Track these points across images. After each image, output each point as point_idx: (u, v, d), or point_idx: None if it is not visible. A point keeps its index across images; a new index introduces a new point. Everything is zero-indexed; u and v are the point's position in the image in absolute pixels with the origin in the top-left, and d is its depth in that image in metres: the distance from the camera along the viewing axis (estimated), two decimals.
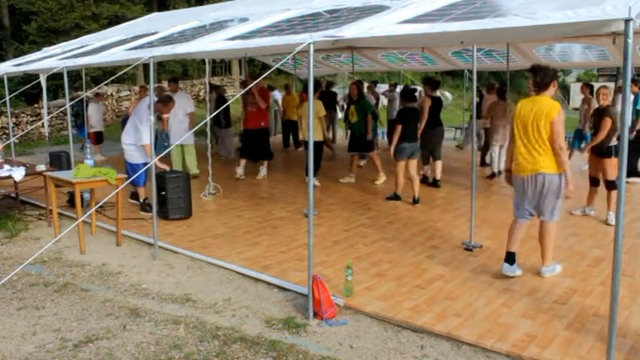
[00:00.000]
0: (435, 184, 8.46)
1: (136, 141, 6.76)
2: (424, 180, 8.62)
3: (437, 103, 8.32)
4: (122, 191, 5.39)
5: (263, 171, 9.38)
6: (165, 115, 8.83)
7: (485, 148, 10.08)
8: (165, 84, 19.50)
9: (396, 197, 7.55)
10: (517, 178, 4.61)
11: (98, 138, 11.78)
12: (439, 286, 4.53)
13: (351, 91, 8.87)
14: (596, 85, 8.43)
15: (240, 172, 9.24)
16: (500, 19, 3.49)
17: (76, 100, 11.91)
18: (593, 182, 6.57)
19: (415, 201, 7.30)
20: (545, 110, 4.30)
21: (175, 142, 8.41)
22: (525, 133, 4.43)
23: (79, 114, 14.36)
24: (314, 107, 4.79)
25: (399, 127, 7.18)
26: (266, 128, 9.29)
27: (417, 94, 8.03)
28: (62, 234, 4.65)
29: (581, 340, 3.59)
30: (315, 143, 8.50)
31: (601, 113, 6.20)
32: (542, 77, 4.36)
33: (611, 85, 10.98)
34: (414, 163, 7.31)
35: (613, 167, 6.22)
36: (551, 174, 4.38)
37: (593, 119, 6.41)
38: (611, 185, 6.28)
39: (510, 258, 4.65)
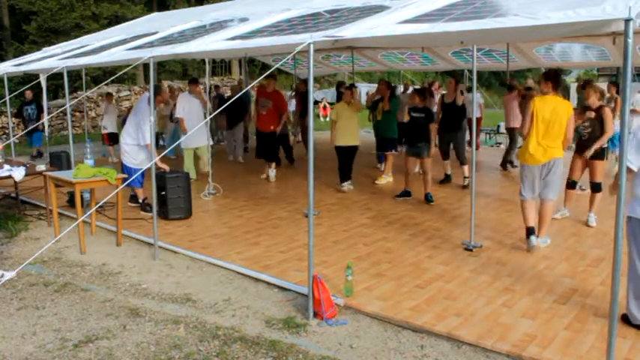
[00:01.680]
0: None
1: (138, 141, 6.76)
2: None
3: None
4: (122, 191, 5.39)
5: (271, 173, 9.16)
6: (180, 117, 8.80)
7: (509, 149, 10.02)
8: (166, 83, 19.46)
9: (407, 194, 7.61)
10: (532, 167, 5.26)
11: (111, 139, 11.64)
12: (439, 286, 4.53)
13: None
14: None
15: (271, 174, 9.14)
16: (500, 19, 3.49)
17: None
18: (572, 185, 6.43)
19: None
20: (566, 109, 5.14)
21: (191, 143, 8.43)
22: (546, 128, 5.13)
23: (28, 118, 12.53)
24: (313, 107, 4.76)
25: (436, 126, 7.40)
26: (275, 132, 9.04)
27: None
28: (62, 234, 4.65)
29: (581, 340, 3.59)
30: (352, 147, 8.03)
31: (595, 112, 6.07)
32: (558, 81, 5.22)
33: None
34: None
35: (603, 169, 6.20)
36: (560, 159, 5.25)
37: (587, 118, 6.13)
38: (597, 188, 6.22)
39: (531, 232, 5.39)
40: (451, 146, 8.56)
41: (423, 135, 7.26)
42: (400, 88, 13.02)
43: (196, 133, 8.30)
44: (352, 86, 8.62)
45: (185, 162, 8.71)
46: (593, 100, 6.11)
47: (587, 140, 6.15)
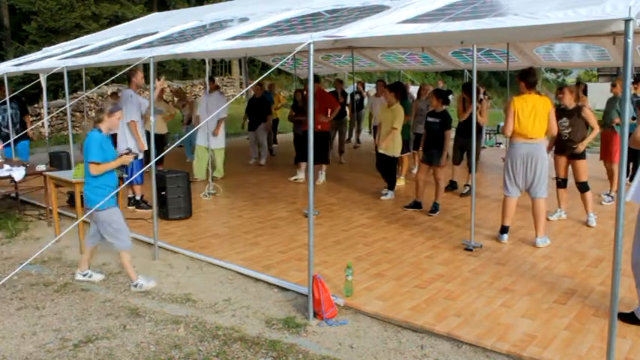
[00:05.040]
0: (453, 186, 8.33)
1: (126, 134, 6.81)
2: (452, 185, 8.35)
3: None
4: (122, 191, 5.38)
5: (322, 176, 8.83)
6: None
7: None
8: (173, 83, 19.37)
9: (418, 205, 7.08)
10: (515, 162, 5.41)
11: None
12: (439, 286, 4.53)
13: None
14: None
15: (302, 176, 8.90)
16: (500, 18, 3.49)
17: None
18: (563, 184, 6.41)
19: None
20: (544, 105, 5.35)
21: (202, 141, 8.45)
22: (529, 124, 5.30)
23: (5, 123, 8.93)
24: (313, 104, 4.72)
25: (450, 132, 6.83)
26: (323, 132, 8.60)
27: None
28: (62, 234, 4.65)
29: (581, 340, 3.59)
30: (384, 156, 7.58)
31: (574, 112, 6.07)
32: (533, 78, 5.43)
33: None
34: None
35: (585, 169, 6.22)
36: (544, 155, 5.37)
37: (564, 119, 6.09)
38: (584, 187, 6.22)
39: (506, 230, 5.70)
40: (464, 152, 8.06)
41: (437, 142, 6.80)
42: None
43: (208, 133, 8.36)
44: (399, 84, 7.89)
45: (194, 161, 8.83)
46: (569, 101, 6.12)
47: (568, 140, 6.15)
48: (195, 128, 7.70)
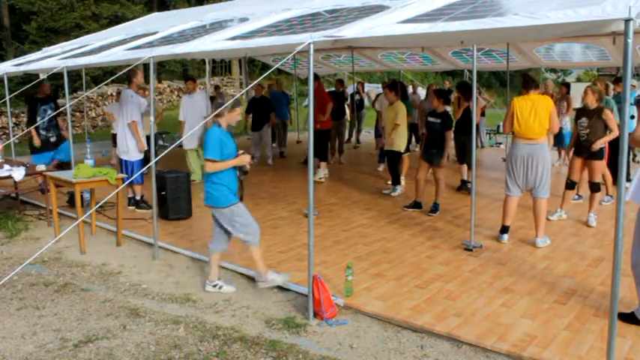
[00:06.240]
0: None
1: (127, 134, 6.78)
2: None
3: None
4: (122, 191, 5.38)
5: (321, 173, 8.89)
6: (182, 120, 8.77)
7: None
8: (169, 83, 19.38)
9: (418, 206, 7.08)
10: (516, 161, 5.45)
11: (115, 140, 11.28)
12: (439, 286, 4.53)
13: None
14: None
15: (320, 174, 8.87)
16: (500, 18, 3.49)
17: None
18: (571, 186, 6.41)
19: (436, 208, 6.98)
20: (544, 104, 5.37)
21: (190, 144, 8.41)
22: (529, 124, 5.35)
23: (47, 124, 8.23)
24: (313, 101, 4.70)
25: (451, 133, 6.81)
26: (321, 130, 8.72)
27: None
28: (62, 234, 4.65)
29: (581, 340, 3.59)
30: (396, 153, 7.69)
31: (595, 113, 6.05)
32: (532, 81, 5.52)
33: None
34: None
35: (601, 169, 6.23)
36: (545, 154, 5.39)
37: (584, 120, 6.12)
38: (596, 188, 6.23)
39: (506, 230, 5.70)
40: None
41: (437, 141, 6.75)
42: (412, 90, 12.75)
43: (197, 133, 8.29)
44: (396, 83, 7.95)
45: (189, 162, 8.71)
46: (591, 101, 6.10)
47: (586, 141, 6.13)
48: (188, 134, 7.58)
